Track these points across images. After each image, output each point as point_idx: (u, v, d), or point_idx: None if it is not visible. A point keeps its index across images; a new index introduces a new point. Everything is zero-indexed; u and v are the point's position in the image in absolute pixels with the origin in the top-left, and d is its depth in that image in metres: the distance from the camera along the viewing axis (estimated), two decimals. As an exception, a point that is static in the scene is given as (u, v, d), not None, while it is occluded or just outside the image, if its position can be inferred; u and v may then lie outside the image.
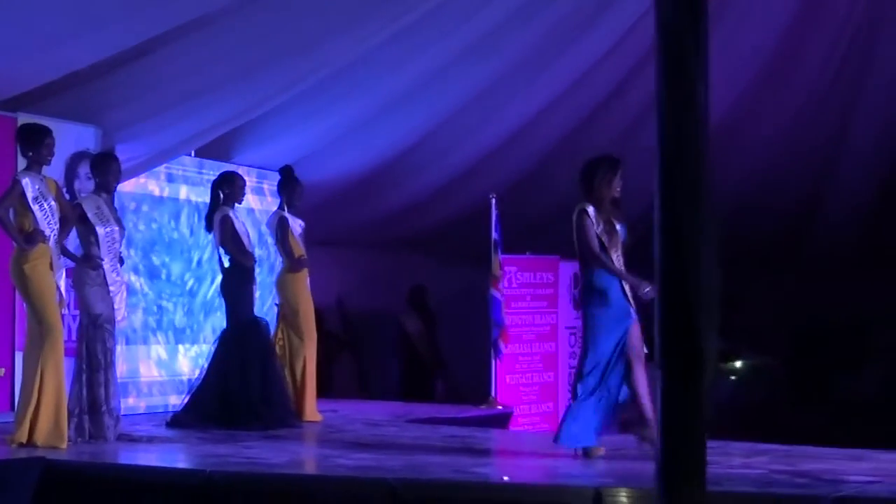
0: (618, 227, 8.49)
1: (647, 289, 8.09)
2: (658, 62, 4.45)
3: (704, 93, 4.38)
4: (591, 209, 8.45)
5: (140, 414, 11.16)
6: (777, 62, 12.85)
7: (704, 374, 4.39)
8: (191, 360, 11.94)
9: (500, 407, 12.80)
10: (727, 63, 11.52)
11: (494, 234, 12.82)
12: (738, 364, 16.11)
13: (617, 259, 8.43)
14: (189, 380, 11.34)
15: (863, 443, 9.70)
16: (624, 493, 6.92)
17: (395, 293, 15.67)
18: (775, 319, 16.23)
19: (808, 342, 16.21)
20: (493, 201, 12.84)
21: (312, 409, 10.83)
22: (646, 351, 8.31)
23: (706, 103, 4.41)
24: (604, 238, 8.41)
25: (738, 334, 16.05)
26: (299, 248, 10.81)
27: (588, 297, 8.49)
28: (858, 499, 6.83)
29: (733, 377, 16.26)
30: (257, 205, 12.60)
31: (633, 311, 8.40)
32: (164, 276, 11.82)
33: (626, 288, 8.35)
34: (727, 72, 11.69)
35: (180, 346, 12.00)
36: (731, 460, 8.34)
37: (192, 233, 11.99)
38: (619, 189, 8.52)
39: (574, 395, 8.61)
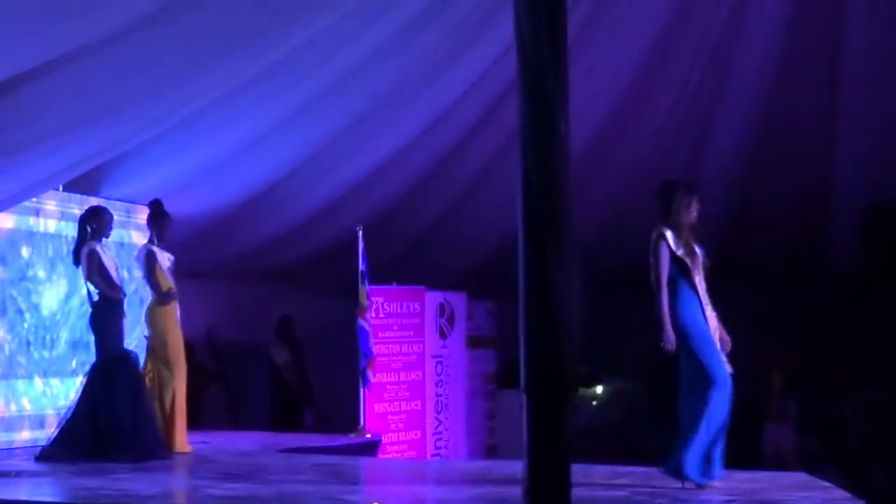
0: (697, 249, 8.43)
1: (667, 344, 8.33)
2: (520, 97, 4.69)
3: (566, 125, 4.63)
4: (669, 233, 8.39)
5: (8, 449, 11.09)
6: (636, 92, 13.22)
7: (568, 399, 4.63)
8: (59, 394, 11.89)
9: (368, 435, 12.94)
10: (587, 95, 11.83)
11: (361, 266, 13.00)
12: (599, 389, 16.43)
13: (699, 282, 8.40)
14: (58, 413, 11.29)
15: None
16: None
17: (263, 324, 15.73)
18: (632, 343, 16.58)
19: (665, 365, 16.56)
20: (360, 233, 13.03)
21: (182, 440, 10.88)
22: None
23: (568, 135, 4.65)
24: (686, 260, 8.37)
25: (598, 359, 16.40)
26: (167, 281, 10.86)
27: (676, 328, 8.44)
28: (715, 519, 7.13)
29: (594, 402, 16.59)
30: (126, 238, 12.60)
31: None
32: (31, 311, 11.77)
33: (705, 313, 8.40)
34: (588, 103, 12.00)
35: (49, 380, 11.94)
36: (594, 483, 8.59)
37: (58, 267, 11.95)
38: (696, 213, 8.47)
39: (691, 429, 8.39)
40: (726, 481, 8.56)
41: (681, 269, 8.38)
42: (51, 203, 12.02)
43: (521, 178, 4.52)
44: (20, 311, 11.67)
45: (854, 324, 2.11)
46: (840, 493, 5.94)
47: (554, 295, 4.43)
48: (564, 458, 4.46)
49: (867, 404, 1.93)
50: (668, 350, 8.41)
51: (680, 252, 8.35)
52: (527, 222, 4.51)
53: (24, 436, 11.54)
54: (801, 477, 8.22)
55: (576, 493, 7.59)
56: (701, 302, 8.43)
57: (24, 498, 8.44)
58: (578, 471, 8.82)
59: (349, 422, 13.26)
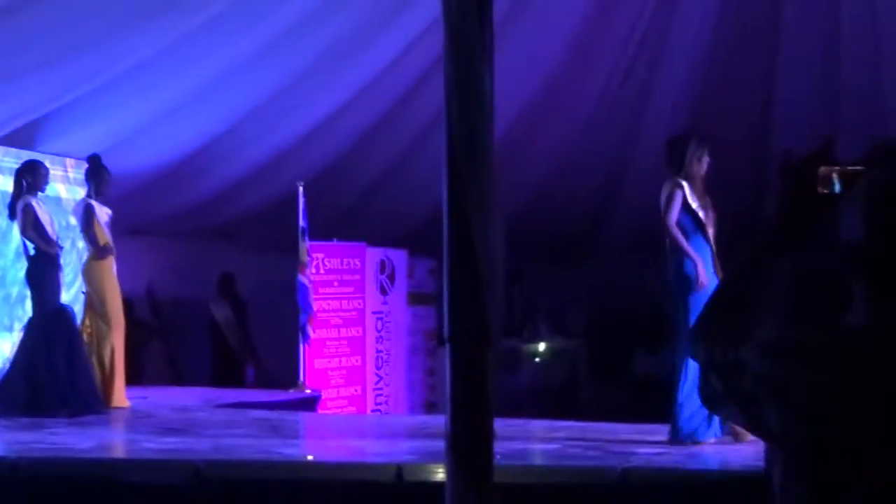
0: (709, 203, 8.29)
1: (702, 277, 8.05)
2: (447, 63, 4.71)
3: (491, 91, 4.66)
4: (686, 185, 8.23)
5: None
6: (566, 68, 13.27)
7: (491, 350, 4.67)
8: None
9: (308, 391, 12.98)
10: (517, 69, 11.85)
11: (302, 222, 12.99)
12: (542, 347, 16.53)
13: (711, 236, 8.26)
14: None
15: (660, 420, 10.17)
16: (424, 469, 7.19)
17: (204, 281, 15.70)
18: (576, 303, 16.72)
19: (607, 325, 16.71)
20: (301, 190, 13.02)
21: (120, 395, 10.86)
22: None
23: (492, 94, 4.68)
24: (701, 213, 8.23)
25: (541, 318, 16.52)
26: (105, 236, 10.81)
27: (678, 282, 8.23)
28: (645, 469, 7.23)
29: (537, 359, 16.69)
30: (65, 193, 12.53)
31: None
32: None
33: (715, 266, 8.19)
34: (517, 76, 12.02)
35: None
36: (531, 437, 8.69)
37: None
38: (706, 166, 8.34)
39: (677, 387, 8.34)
40: (660, 435, 8.67)
41: (696, 223, 8.24)
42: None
43: (446, 137, 4.55)
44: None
45: (753, 276, 2.17)
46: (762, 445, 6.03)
47: (476, 251, 4.47)
48: (487, 411, 4.51)
49: (759, 347, 1.97)
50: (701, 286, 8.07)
51: (695, 205, 8.21)
52: (451, 181, 4.55)
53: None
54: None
55: (510, 445, 7.72)
56: (713, 256, 8.27)
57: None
58: (516, 425, 8.98)
59: (290, 378, 13.29)
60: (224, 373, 15.43)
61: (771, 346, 2.22)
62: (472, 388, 4.43)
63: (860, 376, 2.11)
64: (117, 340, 10.83)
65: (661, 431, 9.16)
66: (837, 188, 2.37)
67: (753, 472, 6.71)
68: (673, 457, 7.76)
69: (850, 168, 2.38)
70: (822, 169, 2.38)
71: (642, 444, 8.39)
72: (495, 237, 4.59)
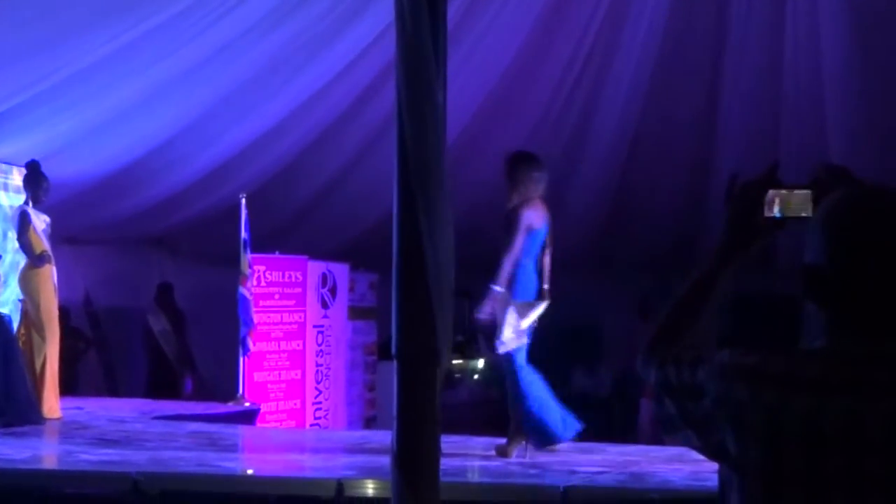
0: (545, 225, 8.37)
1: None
2: (398, 73, 4.69)
3: (443, 100, 4.63)
4: (527, 208, 8.28)
5: None
6: (514, 76, 13.30)
7: (439, 367, 4.65)
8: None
9: (247, 404, 12.89)
10: (466, 78, 11.86)
11: (244, 234, 12.92)
12: (480, 363, 16.54)
13: (548, 256, 8.44)
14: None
15: (598, 436, 10.20)
16: (365, 485, 7.15)
17: (143, 291, 15.58)
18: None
19: (546, 339, 16.74)
20: (243, 201, 12.95)
21: (53, 405, 10.70)
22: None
23: (444, 111, 4.66)
24: (546, 238, 8.39)
25: (477, 331, 16.51)
26: (41, 244, 10.67)
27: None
28: (587, 488, 7.23)
29: (476, 376, 16.70)
30: (3, 200, 12.38)
31: None
32: None
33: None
34: (466, 86, 12.03)
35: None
36: (471, 454, 8.66)
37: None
38: (543, 187, 8.40)
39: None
40: (601, 454, 8.70)
41: (532, 245, 8.35)
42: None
43: (397, 150, 4.52)
44: None
45: (704, 299, 2.17)
46: (709, 466, 6.04)
47: (426, 266, 4.44)
48: (434, 428, 4.48)
49: (717, 369, 1.96)
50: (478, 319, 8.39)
51: (538, 227, 8.32)
52: (402, 194, 4.52)
53: None
54: (675, 451, 8.39)
55: (451, 462, 7.69)
56: (540, 282, 8.44)
57: None
58: (457, 442, 8.95)
59: (228, 390, 13.19)
60: (161, 384, 15.31)
61: (729, 368, 2.22)
62: (420, 405, 4.40)
63: (821, 398, 2.11)
64: (51, 350, 10.68)
65: (600, 449, 9.21)
66: (780, 212, 2.39)
67: (697, 492, 6.74)
68: (614, 476, 7.77)
69: (794, 192, 2.40)
70: (769, 192, 2.39)
71: (582, 461, 8.39)
72: (446, 253, 4.56)
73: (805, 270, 2.25)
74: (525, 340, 8.40)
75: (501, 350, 8.39)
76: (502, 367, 8.63)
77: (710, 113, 13.73)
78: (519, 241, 8.24)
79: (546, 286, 8.52)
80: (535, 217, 8.31)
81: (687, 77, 13.34)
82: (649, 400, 12.97)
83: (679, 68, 13.16)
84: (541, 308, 8.46)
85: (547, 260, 8.52)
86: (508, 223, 8.28)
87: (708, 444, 2.27)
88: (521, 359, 8.46)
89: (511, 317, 8.28)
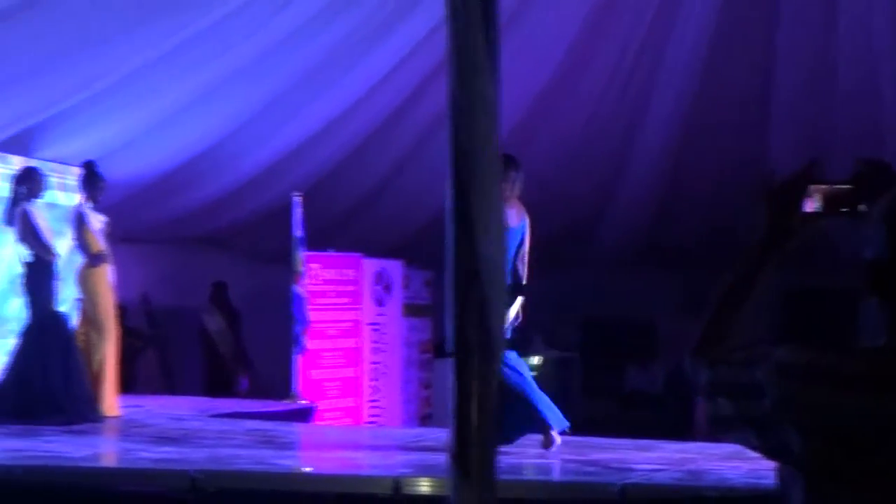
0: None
1: None
2: (451, 67, 4.68)
3: (495, 95, 4.62)
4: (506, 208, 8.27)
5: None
6: (568, 69, 13.25)
7: (496, 365, 4.64)
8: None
9: (303, 402, 12.93)
10: (519, 70, 11.83)
11: (298, 232, 12.96)
12: (535, 360, 16.51)
13: (525, 253, 8.61)
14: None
15: (651, 433, 10.16)
16: (421, 483, 7.15)
17: (197, 290, 15.66)
18: (568, 314, 16.70)
19: (600, 336, 16.71)
20: (297, 199, 12.98)
21: (111, 403, 10.77)
22: None
23: (497, 107, 4.65)
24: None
25: (533, 328, 16.48)
26: (98, 244, 10.75)
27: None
28: (645, 486, 7.20)
29: (531, 373, 16.65)
30: (61, 200, 12.48)
31: None
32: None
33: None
34: (519, 78, 12.01)
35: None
36: (526, 451, 8.64)
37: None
38: (519, 188, 8.55)
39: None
40: (658, 451, 8.66)
41: (509, 243, 8.33)
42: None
43: (450, 146, 4.51)
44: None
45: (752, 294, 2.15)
46: (767, 464, 6.00)
47: (480, 262, 4.43)
48: (491, 425, 4.47)
49: (778, 368, 1.93)
50: None
51: (514, 225, 8.41)
52: (455, 190, 4.51)
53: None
54: (732, 448, 8.34)
55: (507, 460, 7.68)
56: (516, 278, 8.49)
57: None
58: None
59: (283, 388, 13.24)
60: (217, 382, 15.40)
61: (788, 366, 2.19)
62: (476, 402, 4.39)
63: (884, 396, 2.08)
64: (108, 348, 10.76)
65: (657, 447, 9.17)
66: (821, 207, 2.37)
67: (756, 490, 6.69)
68: (671, 473, 7.73)
69: (835, 187, 2.38)
70: (810, 188, 2.37)
71: (639, 459, 8.36)
72: (499, 247, 4.55)
73: (868, 265, 2.22)
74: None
75: None
76: None
77: (763, 106, 13.62)
78: None
79: (524, 282, 8.62)
80: (511, 215, 8.39)
81: (739, 69, 13.25)
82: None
83: (731, 61, 13.07)
84: (517, 304, 8.52)
85: (524, 257, 8.63)
86: None
87: (767, 444, 2.24)
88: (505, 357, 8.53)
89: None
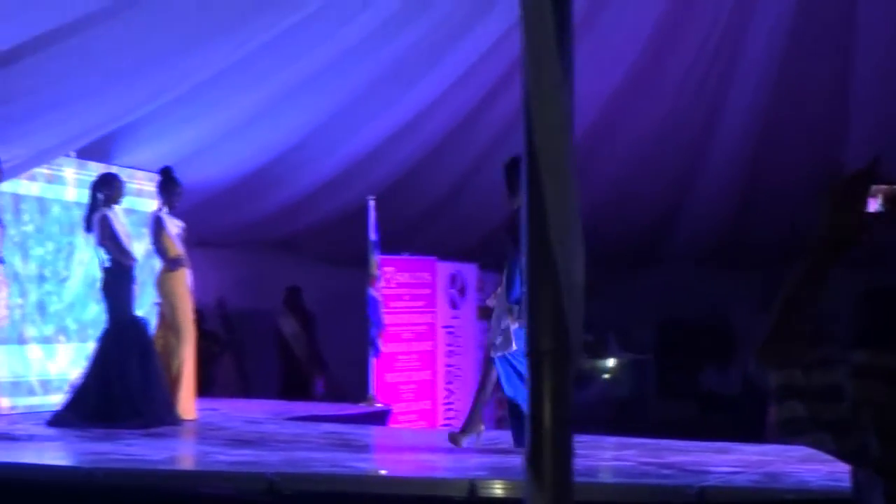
0: None
1: None
2: (525, 70, 4.68)
3: (570, 96, 4.61)
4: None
5: (20, 413, 11.14)
6: (643, 69, 13.19)
7: (571, 367, 4.62)
8: (70, 359, 11.93)
9: (378, 405, 12.96)
10: (593, 71, 11.79)
11: (372, 235, 13.00)
12: (610, 362, 16.45)
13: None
14: (69, 379, 11.34)
15: (727, 435, 10.08)
16: (496, 485, 7.15)
17: (272, 294, 15.75)
18: (643, 315, 16.60)
19: (675, 337, 16.60)
20: (372, 203, 13.03)
21: (188, 407, 10.87)
22: None
23: (571, 109, 4.64)
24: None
25: (607, 330, 16.42)
26: (175, 248, 10.87)
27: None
28: (722, 489, 7.14)
29: (605, 375, 16.61)
30: (138, 205, 12.61)
31: None
32: (43, 276, 11.81)
33: None
34: (593, 80, 11.96)
35: (61, 346, 11.98)
36: (602, 453, 8.62)
37: (71, 232, 11.99)
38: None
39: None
40: (735, 454, 8.59)
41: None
42: (65, 169, 12.07)
43: (524, 148, 4.49)
44: (33, 277, 11.70)
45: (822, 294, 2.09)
46: (845, 467, 5.93)
47: (558, 264, 4.42)
48: (567, 425, 4.45)
49: (855, 370, 1.89)
50: None
51: None
52: (529, 192, 4.50)
53: (36, 400, 11.58)
54: (811, 451, 8.25)
55: (583, 462, 7.66)
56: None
57: (35, 461, 8.52)
58: (587, 441, 8.91)
59: (359, 391, 13.28)
60: (292, 385, 15.47)
61: (868, 368, 2.15)
62: (552, 404, 4.38)
63: None
64: (187, 352, 10.87)
65: (735, 449, 9.10)
66: (883, 206, 2.32)
67: (835, 492, 6.61)
68: (749, 476, 7.67)
69: None
70: (872, 187, 2.32)
71: (716, 461, 8.30)
72: (576, 251, 4.54)
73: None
74: (514, 347, 8.41)
75: (493, 354, 8.51)
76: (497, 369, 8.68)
77: (842, 99, 13.45)
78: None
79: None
80: None
81: (816, 68, 13.10)
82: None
83: (808, 57, 12.93)
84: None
85: None
86: (512, 227, 8.29)
87: (845, 447, 2.21)
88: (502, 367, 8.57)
89: (503, 321, 8.38)
